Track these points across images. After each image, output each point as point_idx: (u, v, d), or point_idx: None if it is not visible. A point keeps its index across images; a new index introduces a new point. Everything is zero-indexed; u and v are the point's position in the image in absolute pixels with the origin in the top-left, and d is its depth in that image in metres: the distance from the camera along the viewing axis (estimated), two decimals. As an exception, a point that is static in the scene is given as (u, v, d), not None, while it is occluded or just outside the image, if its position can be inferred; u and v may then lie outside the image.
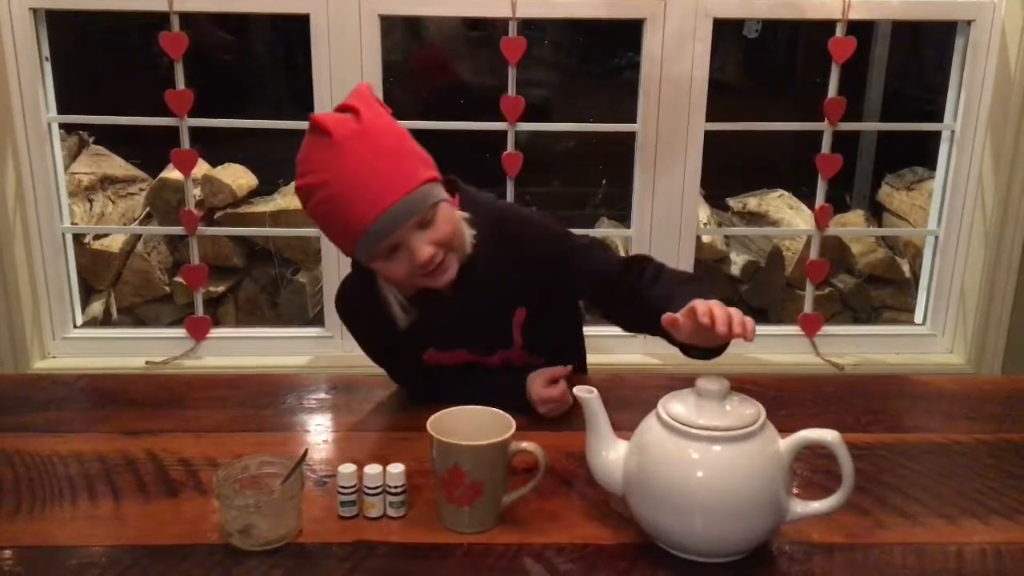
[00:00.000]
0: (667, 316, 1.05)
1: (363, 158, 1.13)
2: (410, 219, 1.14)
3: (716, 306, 1.03)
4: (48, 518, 1.05)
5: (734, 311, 1.03)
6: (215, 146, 2.51)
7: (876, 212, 2.86)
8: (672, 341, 1.14)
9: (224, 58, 2.87)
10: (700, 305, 1.02)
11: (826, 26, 2.05)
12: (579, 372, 1.41)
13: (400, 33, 2.88)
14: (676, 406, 0.97)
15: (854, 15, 2.01)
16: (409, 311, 1.26)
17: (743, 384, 1.23)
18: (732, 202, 2.81)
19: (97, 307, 2.43)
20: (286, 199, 2.49)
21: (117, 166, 2.66)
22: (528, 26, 2.04)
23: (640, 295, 1.23)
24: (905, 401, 1.45)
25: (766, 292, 2.58)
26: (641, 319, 1.23)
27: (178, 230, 2.18)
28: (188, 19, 2.00)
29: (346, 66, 1.99)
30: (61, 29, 2.09)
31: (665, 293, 1.19)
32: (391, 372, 1.41)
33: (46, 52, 2.03)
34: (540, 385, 1.28)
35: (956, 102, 2.14)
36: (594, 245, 1.32)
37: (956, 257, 2.20)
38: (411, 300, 1.26)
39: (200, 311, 2.18)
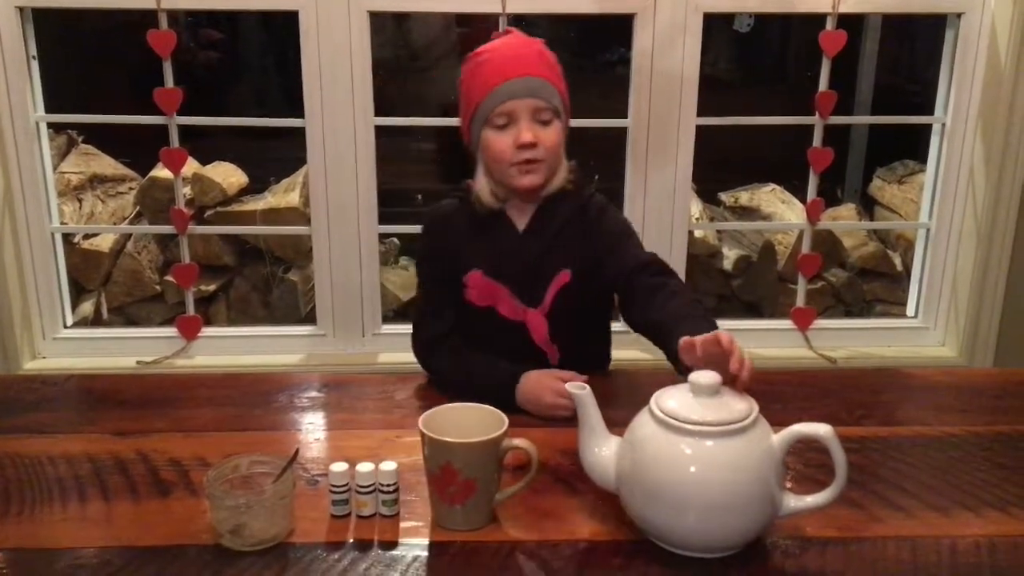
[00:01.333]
0: (686, 340, 1.08)
1: (526, 49, 1.39)
2: (534, 96, 1.34)
3: (735, 343, 1.06)
4: (38, 520, 1.04)
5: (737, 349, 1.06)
6: (205, 144, 2.50)
7: (867, 206, 2.86)
8: (670, 356, 1.20)
9: (213, 56, 2.86)
10: (724, 337, 1.06)
11: (817, 20, 2.05)
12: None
13: (390, 30, 2.87)
14: (669, 401, 0.97)
15: (844, 8, 2.00)
16: (498, 196, 1.41)
17: (736, 379, 1.22)
18: (724, 196, 2.81)
19: (87, 307, 2.41)
20: (277, 197, 2.48)
21: (106, 165, 2.65)
22: (518, 21, 2.03)
23: (655, 303, 1.31)
24: (897, 394, 1.46)
25: (758, 286, 2.58)
26: (649, 327, 1.32)
27: (168, 229, 2.16)
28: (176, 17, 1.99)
29: (336, 63, 1.98)
30: (48, 28, 2.08)
31: (679, 314, 1.25)
32: (422, 309, 1.50)
33: (33, 51, 2.02)
34: (552, 381, 1.30)
35: (946, 95, 2.14)
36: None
37: (948, 250, 2.21)
38: (485, 222, 1.42)
39: (191, 310, 2.17)
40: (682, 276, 2.14)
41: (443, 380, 1.42)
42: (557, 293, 1.40)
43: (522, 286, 1.41)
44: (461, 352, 1.41)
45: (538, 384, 1.31)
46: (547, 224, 1.42)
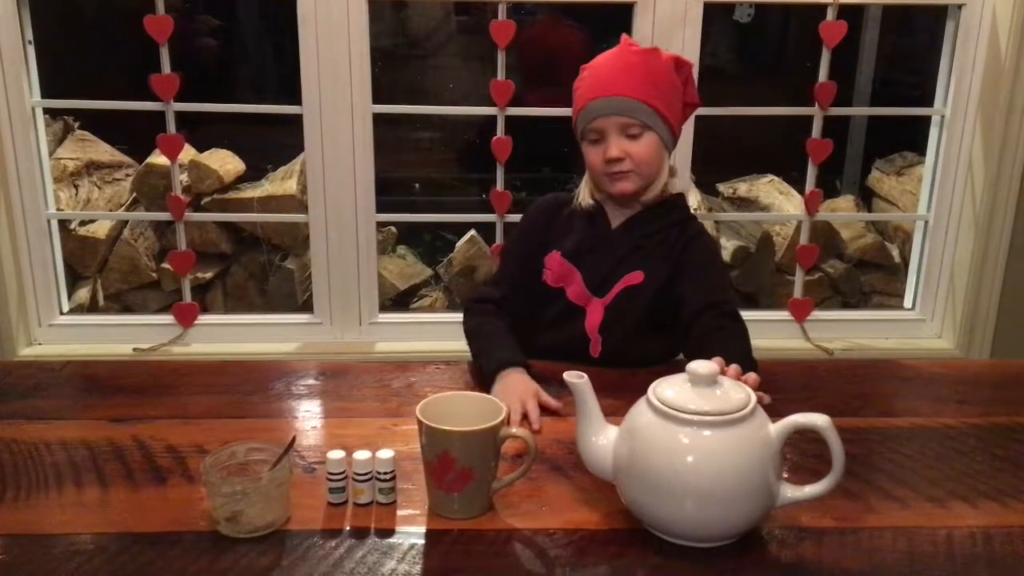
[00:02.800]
0: (718, 360, 1.13)
1: (620, 64, 1.44)
2: (617, 116, 1.41)
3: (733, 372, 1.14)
4: (34, 506, 1.04)
5: (751, 379, 1.14)
6: (202, 131, 2.49)
7: (866, 197, 2.86)
8: None
9: (211, 43, 2.85)
10: (752, 378, 1.14)
11: (817, 10, 2.04)
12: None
13: (388, 18, 2.86)
14: (667, 391, 0.97)
15: (845, -1, 2.00)
16: (593, 196, 1.51)
17: (733, 369, 1.22)
18: (722, 187, 2.81)
19: (84, 294, 2.41)
20: (274, 184, 2.47)
21: (103, 151, 2.64)
22: (518, 10, 2.02)
23: (707, 342, 1.34)
24: (894, 385, 1.46)
25: (756, 277, 2.58)
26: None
27: (165, 216, 2.16)
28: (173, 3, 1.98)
29: (333, 51, 1.97)
30: (45, 12, 2.06)
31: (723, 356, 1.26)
32: (489, 278, 1.63)
33: (29, 36, 2.01)
34: (528, 393, 1.28)
35: (946, 87, 2.14)
36: (727, 290, 1.54)
37: (945, 242, 2.21)
38: (584, 215, 1.51)
39: (188, 297, 2.17)
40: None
41: (466, 335, 1.50)
42: (623, 289, 1.46)
43: (595, 275, 1.48)
44: (490, 319, 1.48)
45: (514, 388, 1.30)
46: (640, 228, 1.49)
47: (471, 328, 1.49)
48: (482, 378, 1.37)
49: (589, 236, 1.50)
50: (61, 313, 2.20)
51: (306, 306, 2.36)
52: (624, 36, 1.49)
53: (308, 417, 1.28)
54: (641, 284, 1.46)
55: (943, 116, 2.15)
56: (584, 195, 1.52)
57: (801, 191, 2.24)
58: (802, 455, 1.15)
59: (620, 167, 1.43)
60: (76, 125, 2.63)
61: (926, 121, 2.22)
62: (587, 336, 1.48)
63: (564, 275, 1.49)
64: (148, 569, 0.93)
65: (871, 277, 2.62)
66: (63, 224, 2.31)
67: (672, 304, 1.45)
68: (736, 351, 1.28)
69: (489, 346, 1.42)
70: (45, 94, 2.07)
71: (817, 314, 2.26)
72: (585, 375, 1.01)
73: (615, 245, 1.49)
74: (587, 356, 1.48)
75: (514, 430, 1.02)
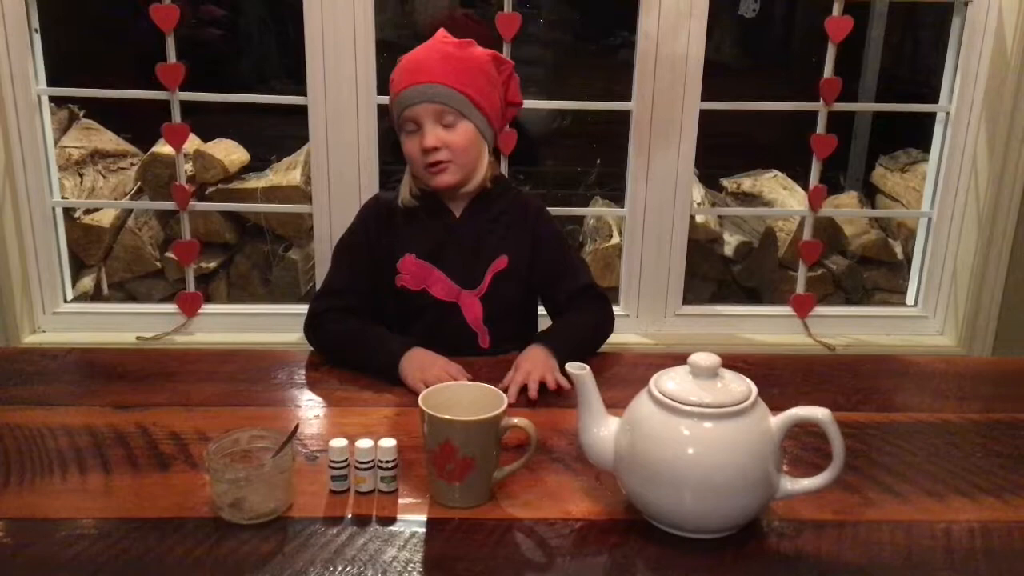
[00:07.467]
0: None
1: (435, 54, 1.42)
2: (433, 102, 1.39)
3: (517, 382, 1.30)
4: (38, 491, 1.05)
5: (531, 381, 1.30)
6: (207, 121, 2.49)
7: (870, 194, 2.85)
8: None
9: (216, 32, 2.85)
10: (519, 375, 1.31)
11: (823, 5, 2.04)
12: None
13: (392, 9, 2.86)
14: (668, 383, 0.98)
15: (851, -6, 1.99)
16: (415, 195, 1.47)
17: (734, 363, 1.23)
18: (726, 182, 2.81)
19: (88, 282, 2.41)
20: (278, 175, 2.48)
21: (108, 140, 2.64)
22: (523, 3, 2.02)
23: (569, 315, 1.49)
24: (895, 381, 1.46)
25: (759, 273, 2.58)
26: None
27: (169, 205, 2.16)
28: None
29: (339, 42, 1.97)
30: (51, 0, 2.06)
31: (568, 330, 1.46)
32: (324, 288, 1.53)
33: (36, 23, 2.01)
34: (444, 363, 1.35)
35: (951, 83, 2.14)
36: (584, 265, 1.58)
37: (949, 239, 2.21)
38: (421, 210, 1.47)
39: (191, 287, 2.17)
40: (683, 261, 2.17)
41: (330, 347, 1.45)
42: (494, 277, 1.46)
43: (459, 269, 1.46)
44: (351, 322, 1.44)
45: (429, 358, 1.35)
46: (483, 211, 1.48)
47: (336, 335, 1.44)
48: (380, 371, 1.36)
49: (438, 231, 1.47)
50: (65, 301, 2.20)
51: (309, 296, 2.36)
52: (441, 29, 1.48)
53: (311, 406, 1.29)
54: (508, 267, 1.47)
55: (948, 113, 2.15)
56: (404, 192, 1.48)
57: (805, 187, 2.24)
58: (802, 448, 1.16)
59: (437, 156, 1.40)
60: (81, 113, 2.63)
61: (931, 118, 2.22)
62: (472, 330, 1.47)
63: (423, 276, 1.46)
64: (151, 554, 0.93)
65: (874, 273, 2.62)
66: (68, 212, 2.31)
67: (541, 280, 1.49)
68: (582, 326, 1.46)
69: (375, 339, 1.40)
70: (51, 82, 2.07)
71: (819, 310, 2.26)
72: (587, 367, 1.02)
73: (467, 234, 1.47)
74: (476, 349, 1.47)
75: (515, 420, 1.02)
